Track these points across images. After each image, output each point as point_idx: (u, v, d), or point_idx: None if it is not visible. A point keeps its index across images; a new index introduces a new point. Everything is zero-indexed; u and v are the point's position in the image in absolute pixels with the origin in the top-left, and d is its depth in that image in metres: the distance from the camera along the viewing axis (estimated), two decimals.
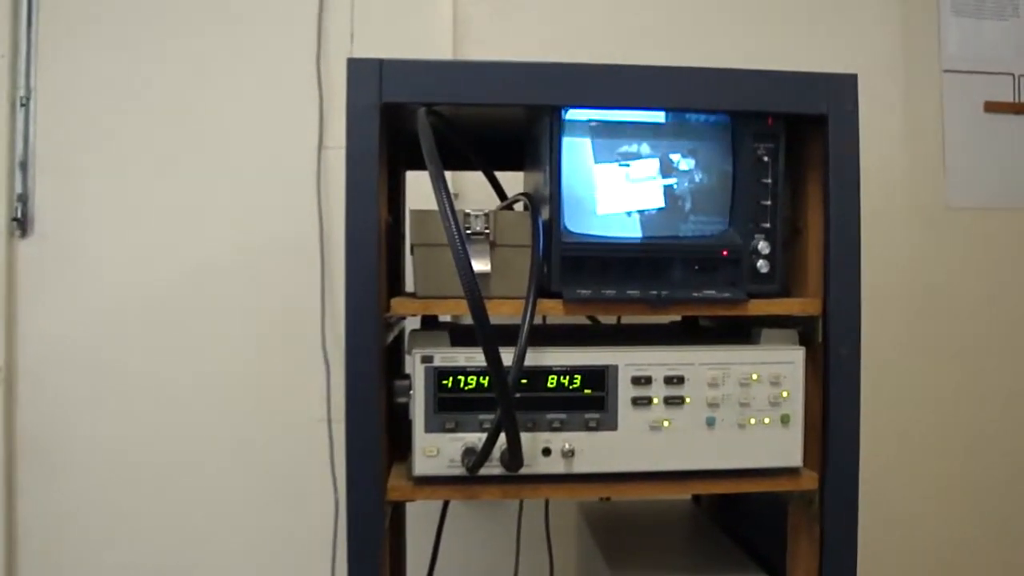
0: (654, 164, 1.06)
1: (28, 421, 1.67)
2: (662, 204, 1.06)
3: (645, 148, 1.06)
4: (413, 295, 1.06)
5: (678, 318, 1.47)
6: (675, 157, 1.06)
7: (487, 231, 1.02)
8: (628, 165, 1.05)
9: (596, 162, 1.05)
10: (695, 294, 1.03)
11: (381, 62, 0.98)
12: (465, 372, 1.00)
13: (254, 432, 1.70)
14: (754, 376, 1.03)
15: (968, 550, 1.86)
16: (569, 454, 1.01)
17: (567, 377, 1.01)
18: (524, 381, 0.99)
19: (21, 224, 1.66)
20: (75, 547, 1.67)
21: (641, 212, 1.05)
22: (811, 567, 1.08)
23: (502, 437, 0.95)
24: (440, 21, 1.72)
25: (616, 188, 1.05)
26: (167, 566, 1.69)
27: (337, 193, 1.68)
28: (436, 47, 1.70)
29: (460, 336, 1.04)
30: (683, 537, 1.38)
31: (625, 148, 1.05)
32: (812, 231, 1.08)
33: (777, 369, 1.04)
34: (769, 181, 1.06)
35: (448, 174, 0.91)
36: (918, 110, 1.84)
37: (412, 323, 1.21)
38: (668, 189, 1.06)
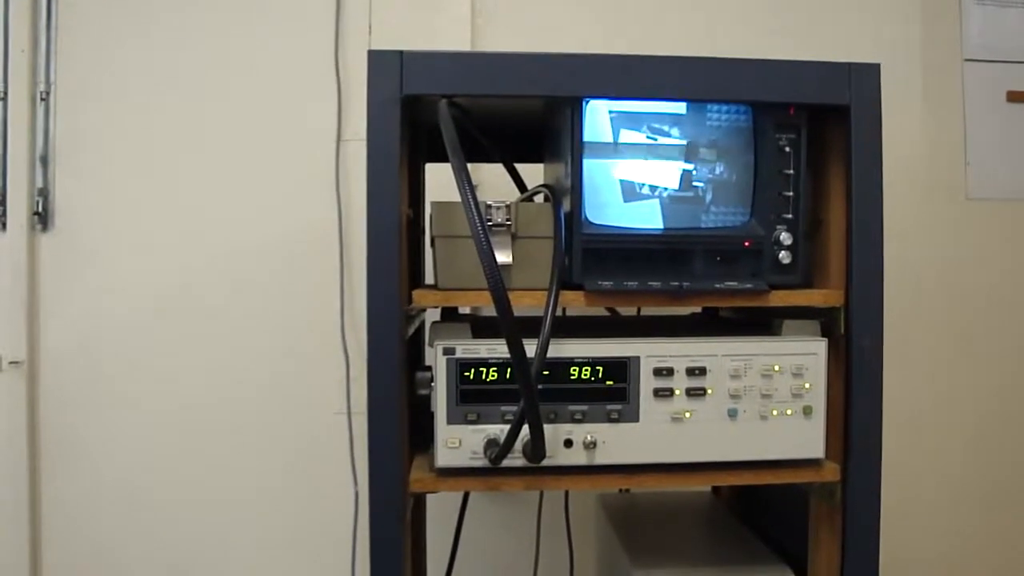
0: (676, 147, 1.05)
1: (50, 413, 1.68)
2: (677, 186, 1.06)
3: (666, 135, 1.05)
4: (433, 287, 1.06)
5: (698, 309, 1.46)
6: (696, 148, 1.06)
7: (508, 223, 1.02)
8: (654, 139, 1.05)
9: (620, 129, 1.05)
10: (717, 285, 1.03)
11: (402, 54, 0.98)
12: (487, 364, 1.00)
13: (273, 425, 1.71)
14: (776, 367, 1.03)
15: (991, 541, 1.85)
16: (591, 445, 1.01)
17: (589, 369, 1.01)
18: (546, 373, 0.99)
19: (42, 218, 1.67)
20: (97, 536, 1.69)
21: (662, 200, 1.05)
22: (833, 558, 1.08)
23: (524, 428, 0.95)
24: (458, 13, 1.72)
25: (636, 161, 1.05)
26: (187, 556, 1.71)
27: (356, 185, 1.69)
28: (454, 39, 1.70)
29: (481, 328, 1.04)
30: (703, 528, 1.38)
31: (650, 124, 1.05)
32: (834, 222, 1.08)
33: (799, 360, 1.03)
34: (791, 172, 1.06)
35: (468, 166, 0.91)
36: (939, 100, 1.82)
37: (432, 315, 1.22)
38: (689, 180, 1.06)
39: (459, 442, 1.00)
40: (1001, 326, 1.85)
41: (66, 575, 1.69)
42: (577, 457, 1.01)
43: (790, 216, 1.06)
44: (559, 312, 0.98)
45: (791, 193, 1.06)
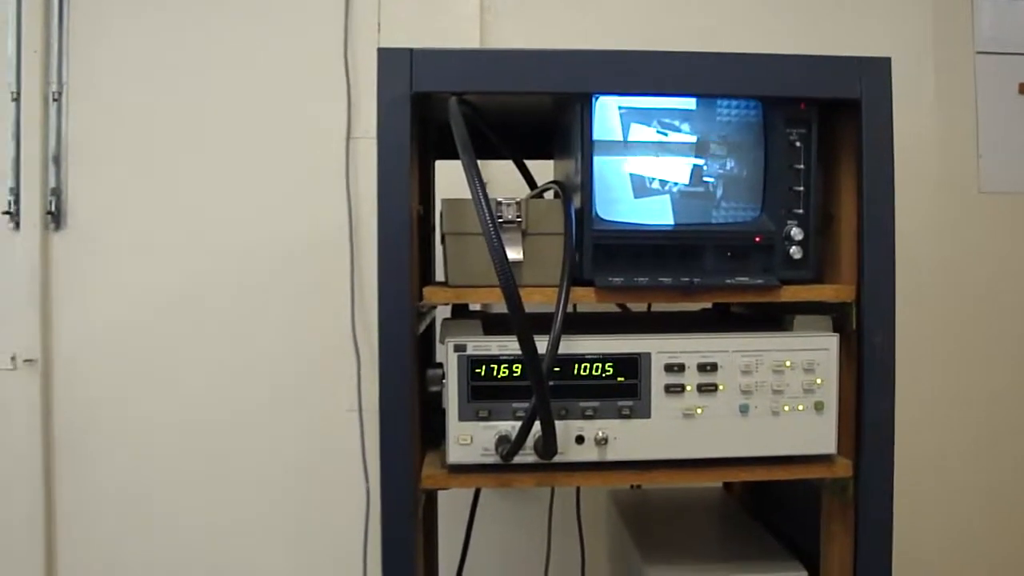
0: (686, 143, 1.05)
1: (63, 410, 1.70)
2: (687, 181, 1.05)
3: (676, 130, 1.05)
4: (444, 284, 1.06)
5: (709, 306, 1.46)
6: (706, 143, 1.05)
7: (519, 219, 1.02)
8: (665, 134, 1.04)
9: (630, 125, 1.04)
10: (728, 281, 1.02)
11: (411, 51, 0.98)
12: (498, 360, 1.00)
13: (285, 423, 1.72)
14: (788, 363, 1.03)
15: (1003, 539, 1.84)
16: (602, 442, 1.01)
17: (600, 365, 1.01)
18: (557, 369, 0.99)
19: (55, 217, 1.68)
20: (110, 532, 1.70)
21: (672, 196, 1.05)
22: (845, 554, 1.07)
23: (536, 425, 0.95)
24: (467, 10, 1.72)
25: (646, 157, 1.05)
26: (199, 553, 1.71)
27: (366, 183, 1.69)
28: (463, 36, 1.70)
29: (492, 324, 1.04)
30: (714, 524, 1.38)
31: (660, 119, 1.05)
32: (845, 216, 1.08)
33: (811, 356, 1.03)
34: (802, 167, 1.06)
35: (478, 163, 0.91)
36: (951, 93, 1.81)
37: (443, 312, 1.22)
38: (700, 175, 1.05)
39: (471, 439, 1.00)
40: (1015, 320, 1.83)
41: (80, 572, 1.70)
42: (588, 453, 1.01)
43: (801, 211, 1.06)
44: (570, 308, 0.98)
45: (802, 188, 1.06)
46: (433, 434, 1.09)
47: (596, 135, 1.03)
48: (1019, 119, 1.81)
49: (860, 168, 1.04)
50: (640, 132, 1.05)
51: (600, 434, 1.01)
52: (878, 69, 1.04)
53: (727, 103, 1.06)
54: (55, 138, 1.68)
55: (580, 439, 1.01)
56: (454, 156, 0.93)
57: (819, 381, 1.03)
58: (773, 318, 1.11)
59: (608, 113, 1.04)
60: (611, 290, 1.01)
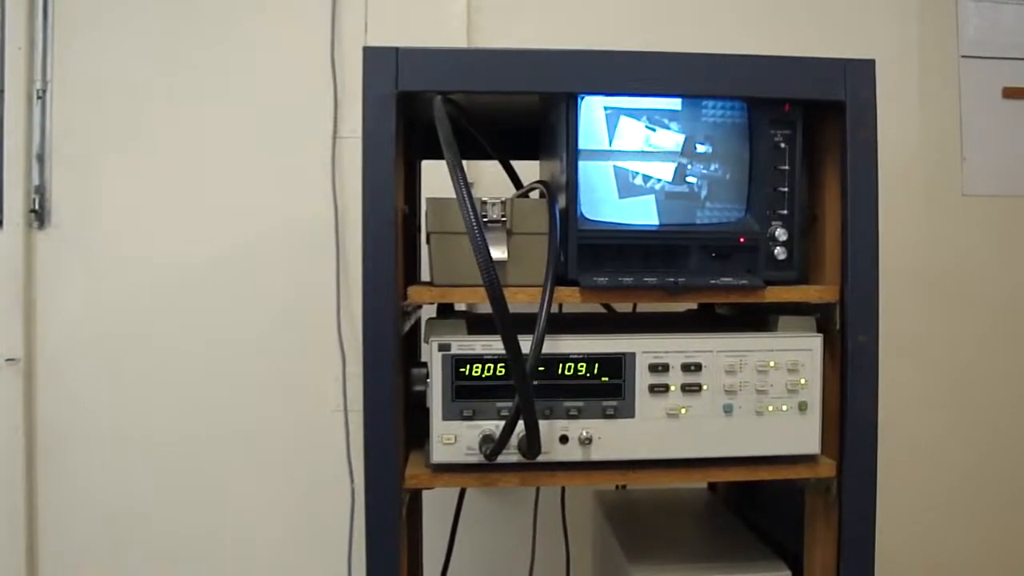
0: (671, 143, 1.05)
1: (47, 409, 1.68)
2: (672, 181, 1.05)
3: (665, 127, 1.05)
4: (429, 283, 1.06)
5: (694, 306, 1.46)
6: (691, 144, 1.06)
7: (504, 219, 1.02)
8: (653, 129, 1.05)
9: (615, 126, 1.04)
10: (712, 281, 1.03)
11: (397, 50, 0.98)
12: (482, 360, 1.00)
13: (270, 422, 1.71)
14: (771, 363, 1.03)
15: (987, 539, 1.85)
16: (586, 441, 1.01)
17: (584, 365, 1.01)
18: (541, 369, 0.99)
19: (39, 215, 1.67)
20: (93, 533, 1.69)
21: (657, 196, 1.05)
22: (828, 554, 1.08)
23: (520, 424, 0.95)
24: (454, 10, 1.72)
25: (632, 161, 1.05)
26: (183, 553, 1.70)
27: (352, 182, 1.69)
28: (450, 36, 1.70)
29: (477, 324, 1.04)
30: (699, 525, 1.38)
31: (645, 120, 1.05)
32: (829, 218, 1.08)
33: (795, 356, 1.04)
34: (786, 168, 1.06)
35: (464, 163, 0.91)
36: (935, 96, 1.82)
37: (428, 312, 1.22)
38: (685, 175, 1.06)
39: (455, 438, 1.00)
40: (996, 321, 1.85)
41: (62, 572, 1.69)
42: (572, 453, 1.01)
43: (785, 212, 1.06)
44: (554, 308, 0.98)
45: (786, 189, 1.06)
46: (418, 433, 1.08)
47: (582, 135, 1.03)
48: (1003, 122, 1.83)
49: (844, 170, 1.05)
50: (627, 127, 1.05)
51: (584, 434, 1.01)
52: (863, 71, 1.04)
53: (712, 104, 1.06)
54: (39, 136, 1.67)
55: (564, 439, 1.01)
56: (441, 156, 0.93)
57: (803, 381, 1.04)
58: (757, 319, 1.12)
59: (594, 113, 1.04)
60: (596, 290, 1.01)
